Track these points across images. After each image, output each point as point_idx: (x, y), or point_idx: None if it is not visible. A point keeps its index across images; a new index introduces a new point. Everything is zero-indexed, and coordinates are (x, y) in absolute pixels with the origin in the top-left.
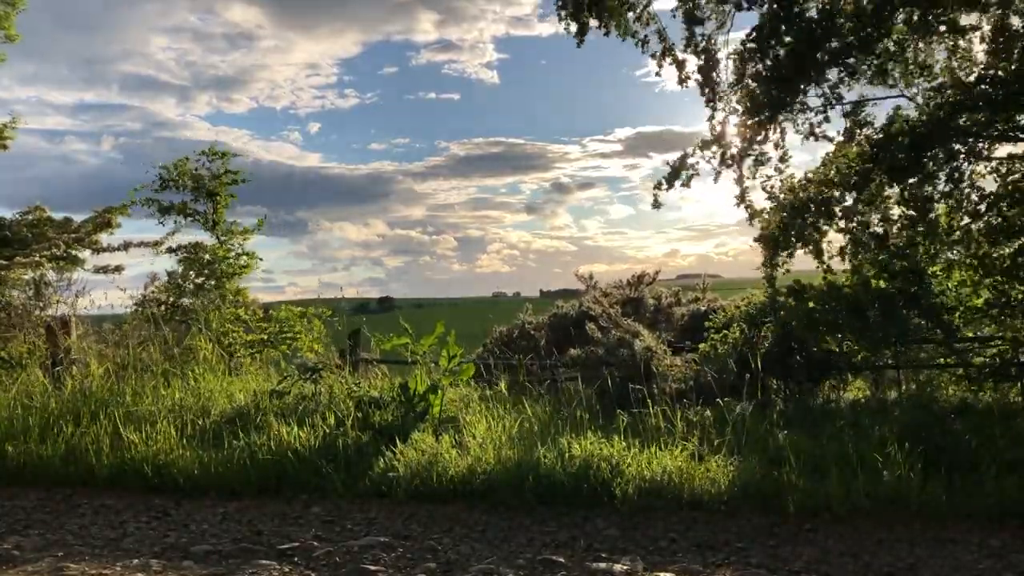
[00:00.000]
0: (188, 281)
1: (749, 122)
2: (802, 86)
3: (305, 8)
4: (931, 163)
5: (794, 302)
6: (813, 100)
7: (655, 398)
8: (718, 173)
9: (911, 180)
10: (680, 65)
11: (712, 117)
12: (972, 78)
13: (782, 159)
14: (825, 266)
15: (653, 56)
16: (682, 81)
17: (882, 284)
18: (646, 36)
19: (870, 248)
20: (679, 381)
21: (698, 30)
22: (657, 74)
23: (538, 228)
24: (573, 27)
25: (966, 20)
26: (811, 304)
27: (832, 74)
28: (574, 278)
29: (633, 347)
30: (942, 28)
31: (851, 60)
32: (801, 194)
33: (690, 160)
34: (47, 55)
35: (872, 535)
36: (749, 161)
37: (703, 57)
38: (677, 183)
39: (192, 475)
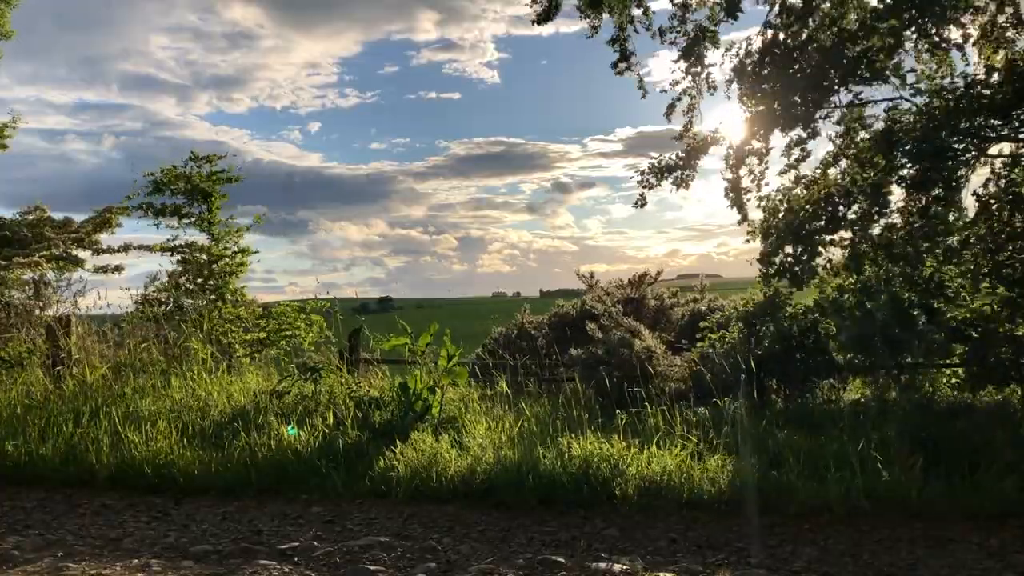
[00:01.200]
0: (187, 281)
1: (753, 127)
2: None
3: (305, 7)
4: (948, 164)
5: (815, 315)
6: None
7: (655, 398)
8: (672, 178)
9: (923, 184)
10: (625, 56)
11: (678, 99)
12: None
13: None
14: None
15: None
16: (621, 69)
17: (868, 298)
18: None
19: (876, 258)
20: (679, 381)
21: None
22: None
23: (539, 228)
24: None
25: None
26: (824, 317)
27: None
28: (574, 278)
29: (633, 347)
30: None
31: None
32: (793, 205)
33: (689, 162)
34: (46, 54)
35: (872, 535)
36: (749, 162)
37: (688, 40)
38: (665, 183)
39: (192, 475)
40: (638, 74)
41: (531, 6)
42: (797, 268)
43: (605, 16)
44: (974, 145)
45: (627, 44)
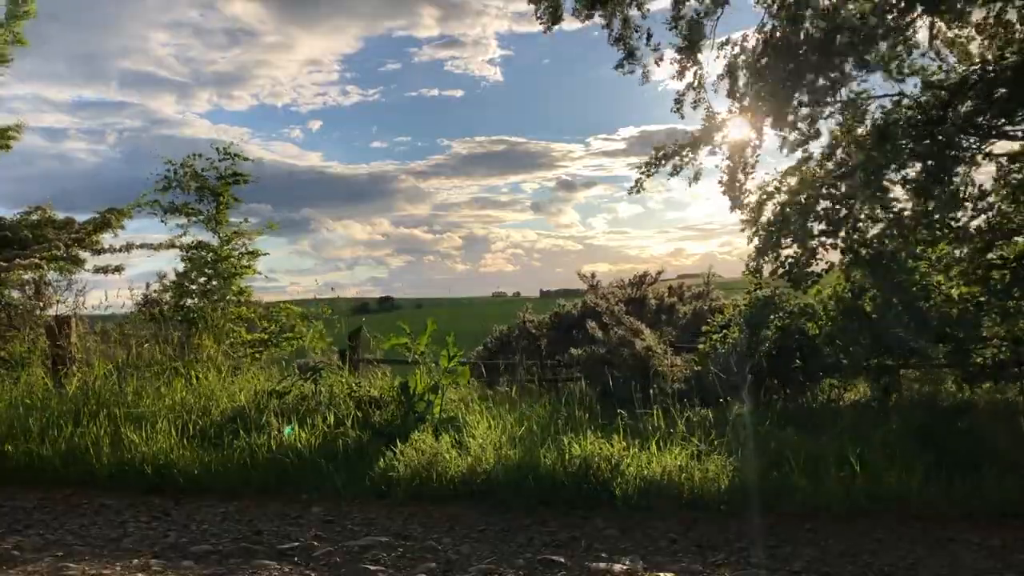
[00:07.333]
0: (192, 282)
1: (749, 116)
2: (805, 82)
3: (306, 2)
4: (943, 158)
5: (808, 321)
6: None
7: (655, 398)
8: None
9: (923, 184)
10: (631, 54)
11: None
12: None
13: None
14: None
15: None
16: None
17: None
18: None
19: (867, 259)
20: (680, 381)
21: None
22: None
23: (542, 227)
24: None
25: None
26: (817, 323)
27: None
28: (576, 277)
29: (634, 346)
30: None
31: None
32: (787, 197)
33: (685, 157)
34: (45, 51)
35: (872, 535)
36: (746, 155)
37: (683, 36)
38: (662, 170)
39: (192, 475)
40: (644, 69)
41: (537, 15)
42: (795, 269)
43: (606, 15)
44: (976, 139)
45: (631, 42)
